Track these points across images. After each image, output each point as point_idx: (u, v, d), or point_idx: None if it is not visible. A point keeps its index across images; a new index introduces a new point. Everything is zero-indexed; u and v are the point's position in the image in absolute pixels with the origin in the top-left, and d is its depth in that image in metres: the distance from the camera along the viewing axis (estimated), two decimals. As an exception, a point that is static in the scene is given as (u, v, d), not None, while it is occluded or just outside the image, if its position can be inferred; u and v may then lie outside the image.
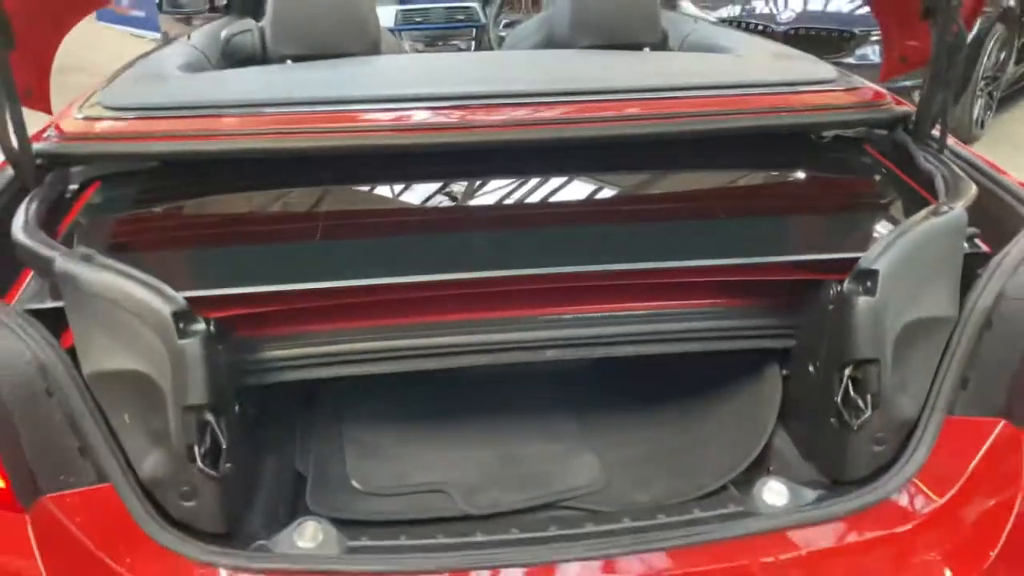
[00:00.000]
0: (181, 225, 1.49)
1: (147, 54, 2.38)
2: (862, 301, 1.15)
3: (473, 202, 1.53)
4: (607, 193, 1.54)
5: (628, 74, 1.67)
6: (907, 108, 1.56)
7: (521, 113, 1.40)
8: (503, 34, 3.53)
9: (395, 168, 1.50)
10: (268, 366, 1.27)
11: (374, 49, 1.98)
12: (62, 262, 1.07)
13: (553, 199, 1.50)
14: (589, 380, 1.63)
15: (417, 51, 3.50)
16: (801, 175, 1.59)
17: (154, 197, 1.48)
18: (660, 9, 2.53)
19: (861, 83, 1.64)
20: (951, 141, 1.52)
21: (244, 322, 1.23)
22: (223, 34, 2.42)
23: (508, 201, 1.50)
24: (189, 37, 2.57)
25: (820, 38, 4.78)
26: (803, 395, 1.33)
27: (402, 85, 1.53)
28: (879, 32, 4.78)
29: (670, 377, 1.55)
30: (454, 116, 1.40)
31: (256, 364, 1.26)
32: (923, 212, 1.21)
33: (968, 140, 4.65)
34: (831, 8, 4.91)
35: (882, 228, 1.39)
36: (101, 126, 1.39)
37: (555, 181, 1.54)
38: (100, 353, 1.07)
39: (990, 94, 5.09)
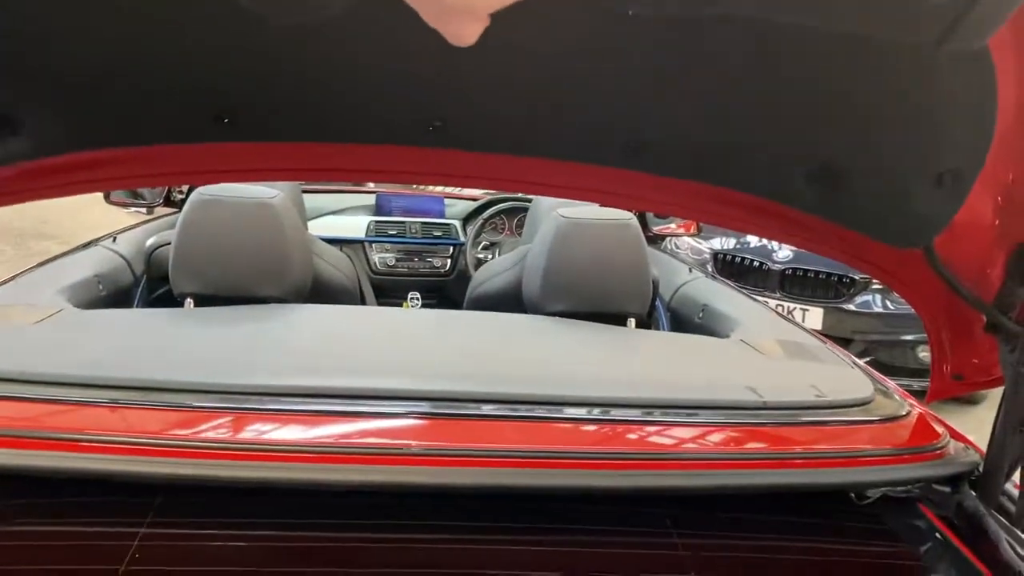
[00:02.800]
0: None
1: (56, 258, 2.06)
2: None
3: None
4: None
5: (603, 376, 1.29)
6: (973, 455, 1.18)
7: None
8: (480, 256, 3.26)
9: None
10: None
11: (297, 294, 1.64)
12: None
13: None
14: None
15: (388, 265, 3.21)
16: (824, 560, 1.15)
17: None
18: (653, 255, 2.23)
19: (906, 405, 1.28)
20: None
21: None
22: (148, 243, 2.10)
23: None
24: (115, 239, 2.26)
25: (819, 280, 4.57)
26: None
27: (315, 370, 1.16)
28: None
29: None
30: (370, 437, 1.01)
31: None
32: None
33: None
34: (828, 248, 4.74)
35: None
36: None
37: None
38: None
39: None
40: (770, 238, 3.72)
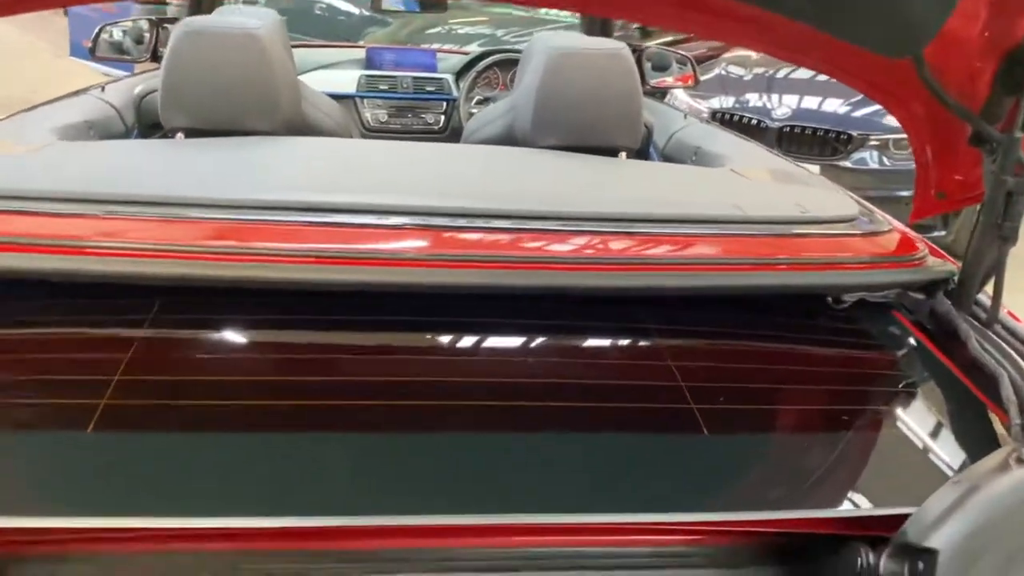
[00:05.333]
0: None
1: (43, 104, 2.04)
2: None
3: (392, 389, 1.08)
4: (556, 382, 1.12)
5: (592, 195, 1.31)
6: (949, 266, 1.22)
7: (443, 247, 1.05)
8: (474, 111, 3.22)
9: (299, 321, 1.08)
10: None
11: (287, 129, 1.63)
12: None
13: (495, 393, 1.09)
14: None
15: (380, 121, 3.17)
16: (803, 357, 1.19)
17: None
18: (647, 103, 2.21)
19: (887, 224, 1.31)
20: (1004, 310, 1.17)
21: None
22: (136, 90, 2.08)
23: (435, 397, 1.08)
24: (103, 89, 2.23)
25: (816, 138, 4.54)
26: None
27: (313, 186, 1.17)
28: (879, 137, 4.56)
29: None
30: (372, 242, 1.03)
31: None
32: (998, 456, 0.85)
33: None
34: (827, 107, 4.69)
35: (924, 458, 1.01)
36: None
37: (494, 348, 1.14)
38: None
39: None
40: (755, 48, 3.60)
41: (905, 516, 0.83)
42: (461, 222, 1.11)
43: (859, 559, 0.84)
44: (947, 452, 1.00)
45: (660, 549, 0.93)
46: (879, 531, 0.86)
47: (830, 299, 1.18)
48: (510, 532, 0.88)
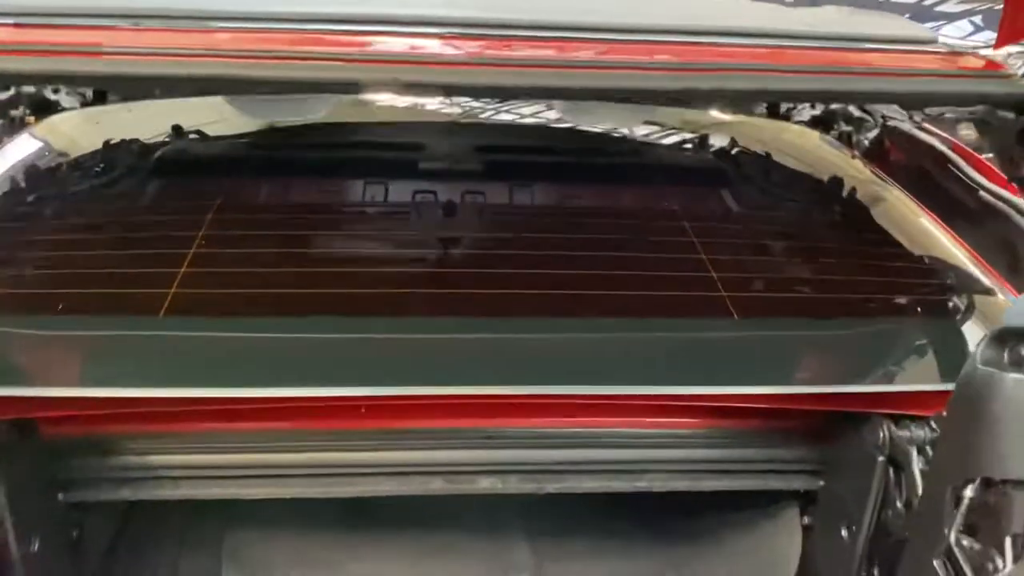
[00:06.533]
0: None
1: None
2: (1011, 380, 0.74)
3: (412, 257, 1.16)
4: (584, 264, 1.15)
5: (672, 11, 1.25)
6: None
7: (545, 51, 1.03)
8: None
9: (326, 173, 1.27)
10: (113, 477, 0.94)
11: None
12: None
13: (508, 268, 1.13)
14: (548, 503, 1.25)
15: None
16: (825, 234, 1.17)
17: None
18: None
19: (969, 50, 1.28)
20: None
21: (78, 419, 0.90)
22: None
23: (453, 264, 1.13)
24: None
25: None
26: (841, 557, 0.97)
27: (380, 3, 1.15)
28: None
29: (650, 511, 1.19)
30: (457, 47, 1.00)
31: (96, 474, 0.93)
32: None
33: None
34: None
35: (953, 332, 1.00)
36: None
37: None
38: None
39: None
40: None
41: (924, 393, 0.84)
42: (508, 32, 1.07)
43: (881, 432, 0.86)
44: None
45: (689, 431, 0.96)
46: (899, 408, 0.87)
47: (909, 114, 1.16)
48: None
